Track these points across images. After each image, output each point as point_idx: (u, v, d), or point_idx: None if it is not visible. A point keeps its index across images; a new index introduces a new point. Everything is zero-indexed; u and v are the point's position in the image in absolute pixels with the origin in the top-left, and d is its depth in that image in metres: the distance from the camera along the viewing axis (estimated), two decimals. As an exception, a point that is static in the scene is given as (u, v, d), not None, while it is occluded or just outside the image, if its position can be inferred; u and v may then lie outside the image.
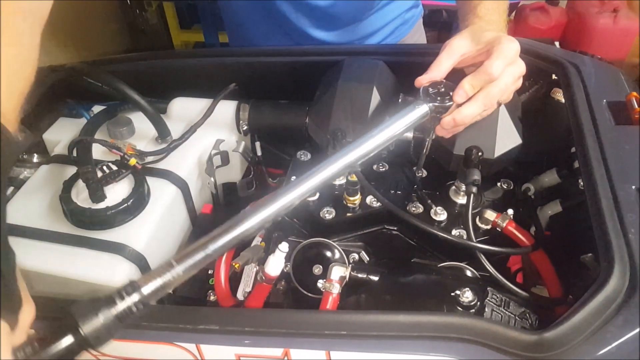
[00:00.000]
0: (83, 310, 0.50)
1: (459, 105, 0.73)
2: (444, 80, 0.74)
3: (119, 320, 0.51)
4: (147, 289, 0.53)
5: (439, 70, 0.75)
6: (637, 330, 0.54)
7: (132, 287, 0.53)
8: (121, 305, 0.51)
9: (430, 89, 0.74)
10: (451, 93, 0.72)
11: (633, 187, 0.66)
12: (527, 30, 2.62)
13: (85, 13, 2.27)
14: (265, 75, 1.09)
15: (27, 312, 0.55)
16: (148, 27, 2.90)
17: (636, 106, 0.77)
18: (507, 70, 0.72)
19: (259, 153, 1.04)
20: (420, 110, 0.73)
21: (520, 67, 0.74)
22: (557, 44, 1.04)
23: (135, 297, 0.52)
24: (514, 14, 2.77)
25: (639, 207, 0.64)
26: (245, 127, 1.00)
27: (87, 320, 0.49)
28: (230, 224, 0.59)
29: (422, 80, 0.75)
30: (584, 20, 2.48)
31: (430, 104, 0.73)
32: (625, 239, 0.61)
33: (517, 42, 0.73)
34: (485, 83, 0.72)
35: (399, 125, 0.71)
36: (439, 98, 0.72)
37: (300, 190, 0.64)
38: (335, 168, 0.66)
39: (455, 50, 0.76)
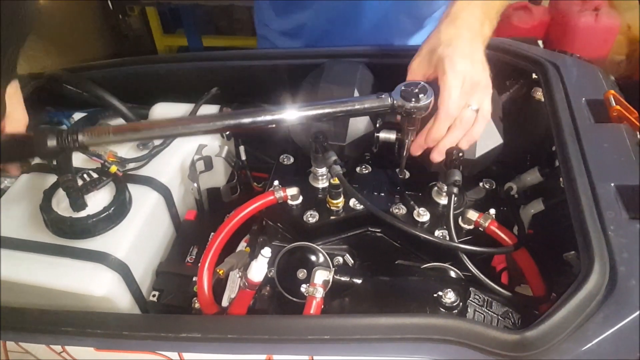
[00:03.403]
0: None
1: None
2: (421, 82, 0.74)
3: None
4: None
5: None
6: (617, 326, 0.55)
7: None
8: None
9: (404, 87, 0.74)
10: (421, 95, 0.73)
11: (612, 184, 0.67)
12: (510, 30, 2.63)
13: (67, 19, 2.25)
14: (247, 79, 1.09)
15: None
16: (131, 32, 2.89)
17: (614, 104, 0.78)
18: (462, 113, 0.73)
19: (244, 157, 1.03)
20: (382, 100, 0.74)
21: (484, 93, 0.74)
22: (540, 42, 1.04)
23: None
24: (497, 13, 2.77)
25: (618, 205, 0.64)
26: (228, 132, 0.99)
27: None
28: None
29: None
30: (566, 19, 2.50)
31: (399, 100, 0.73)
32: (605, 236, 0.61)
33: (463, 63, 0.72)
34: (436, 141, 0.75)
35: (355, 104, 0.75)
36: (413, 99, 0.72)
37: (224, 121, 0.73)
38: (273, 117, 0.73)
39: (416, 76, 0.78)
